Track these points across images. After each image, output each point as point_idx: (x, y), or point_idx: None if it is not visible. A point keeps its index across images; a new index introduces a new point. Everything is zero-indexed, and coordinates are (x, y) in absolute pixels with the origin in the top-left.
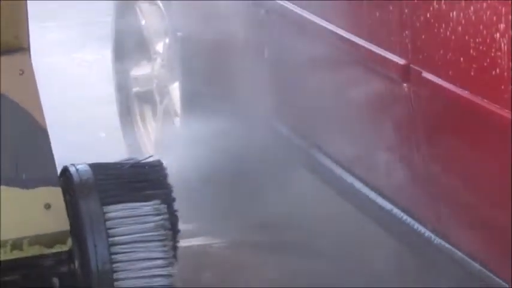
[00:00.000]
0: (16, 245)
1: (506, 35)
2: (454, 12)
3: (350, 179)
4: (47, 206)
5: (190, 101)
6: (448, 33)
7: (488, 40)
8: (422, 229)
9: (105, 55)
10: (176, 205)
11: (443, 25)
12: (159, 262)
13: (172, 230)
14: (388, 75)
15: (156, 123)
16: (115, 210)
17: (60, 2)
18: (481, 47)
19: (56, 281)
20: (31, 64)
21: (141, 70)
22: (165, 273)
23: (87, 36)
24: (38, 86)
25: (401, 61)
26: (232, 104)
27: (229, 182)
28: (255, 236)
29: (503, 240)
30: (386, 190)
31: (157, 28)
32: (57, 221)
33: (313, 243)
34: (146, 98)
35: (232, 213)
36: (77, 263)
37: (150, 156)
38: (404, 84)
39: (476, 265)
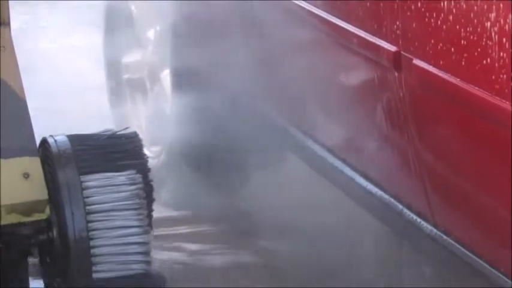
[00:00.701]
0: None
1: (497, 24)
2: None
3: (339, 164)
4: (26, 175)
5: (181, 88)
6: (439, 21)
7: (479, 29)
8: (411, 215)
9: (96, 41)
10: (166, 191)
11: (434, 13)
12: (134, 230)
13: (147, 199)
14: (379, 62)
15: (146, 110)
16: (92, 180)
17: None
18: (471, 36)
19: (35, 248)
20: (11, 39)
21: (132, 57)
22: (140, 240)
23: (78, 21)
24: (28, 71)
25: (392, 48)
26: (223, 90)
27: (218, 169)
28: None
29: (498, 229)
30: (375, 176)
31: (148, 15)
32: (36, 190)
33: (298, 227)
34: (137, 85)
35: (220, 199)
36: (55, 231)
37: (126, 128)
38: (395, 72)
39: (464, 250)
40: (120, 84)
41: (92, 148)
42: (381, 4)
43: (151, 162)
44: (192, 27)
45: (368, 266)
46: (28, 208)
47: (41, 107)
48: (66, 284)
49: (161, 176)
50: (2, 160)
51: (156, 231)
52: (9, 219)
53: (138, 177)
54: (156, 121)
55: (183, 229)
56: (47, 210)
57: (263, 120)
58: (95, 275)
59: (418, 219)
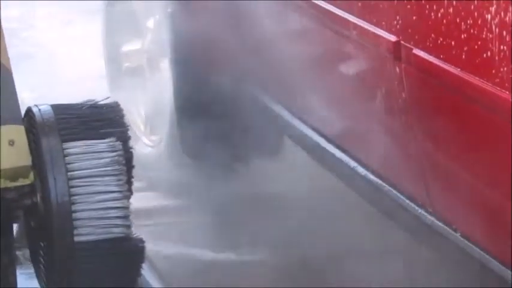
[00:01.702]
0: None
1: (498, 16)
2: None
3: (337, 153)
4: (11, 143)
5: (181, 77)
6: (439, 11)
7: (480, 21)
8: (410, 205)
9: (96, 30)
10: (164, 180)
11: (435, 3)
12: (114, 195)
13: (127, 165)
14: (379, 51)
15: (146, 98)
16: (74, 147)
17: None
18: (472, 28)
19: (20, 213)
20: None
21: (131, 46)
22: (120, 205)
23: (77, 10)
24: (27, 60)
25: (391, 38)
26: (222, 77)
27: (218, 158)
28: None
29: (498, 219)
30: (374, 165)
31: (147, 4)
32: (20, 156)
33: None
34: (136, 74)
35: (220, 187)
36: (38, 196)
37: (107, 98)
38: (395, 61)
39: (464, 240)
40: (120, 72)
41: (74, 117)
42: None
43: (150, 151)
44: (191, 16)
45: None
46: (13, 174)
47: (40, 95)
48: (49, 246)
49: (160, 165)
50: None
51: (155, 220)
52: None
53: (119, 144)
54: (156, 110)
55: (180, 218)
56: (31, 175)
57: (262, 108)
58: (76, 238)
59: (417, 208)
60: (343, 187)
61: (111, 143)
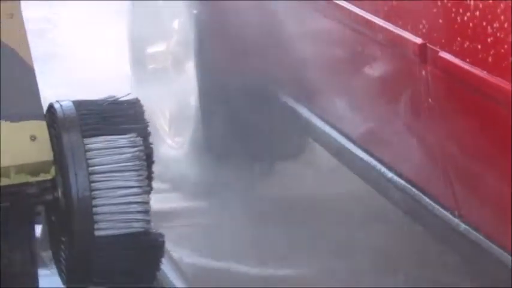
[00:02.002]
0: (4, 173)
1: None
2: None
3: (363, 155)
4: (33, 138)
5: (206, 78)
6: (466, 14)
7: (506, 24)
8: (436, 207)
9: (121, 31)
10: (189, 182)
11: (461, 6)
12: (134, 190)
13: (147, 161)
14: (405, 54)
15: (170, 100)
16: (95, 142)
17: None
18: (498, 31)
19: (41, 208)
20: (20, 8)
21: (156, 47)
22: (140, 200)
23: (102, 10)
24: (51, 60)
25: (418, 40)
26: (246, 79)
27: (242, 159)
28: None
29: None
30: (400, 167)
31: (172, 5)
32: (42, 151)
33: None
34: (161, 76)
35: (242, 190)
36: (59, 191)
37: (128, 94)
38: (421, 64)
39: (487, 241)
40: (144, 74)
41: (95, 113)
42: None
43: (175, 153)
44: (216, 17)
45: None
46: (35, 169)
47: (63, 95)
48: (70, 241)
49: (184, 167)
50: (11, 124)
51: (179, 222)
52: (17, 178)
53: (139, 140)
54: (180, 111)
55: (203, 220)
56: (52, 171)
57: (286, 109)
58: (97, 233)
59: (444, 211)
60: (368, 189)
61: (132, 139)
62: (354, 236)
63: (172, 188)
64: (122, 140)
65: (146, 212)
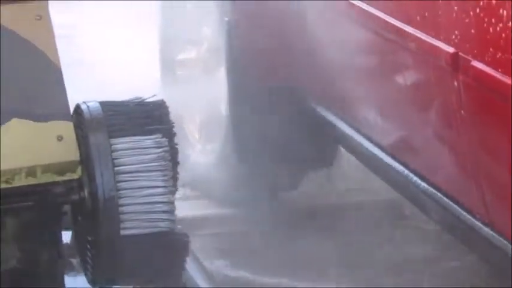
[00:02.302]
0: (30, 172)
1: None
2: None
3: (394, 163)
4: (59, 138)
5: (237, 85)
6: (498, 25)
7: None
8: (467, 216)
9: (151, 36)
10: (219, 189)
11: (494, 16)
12: (159, 190)
13: (172, 161)
14: (437, 63)
15: (201, 107)
16: (121, 143)
17: None
18: None
19: (67, 208)
20: (48, 10)
21: (186, 54)
22: (165, 200)
23: (132, 16)
24: (81, 65)
25: (450, 49)
26: (277, 86)
27: (273, 167)
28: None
29: None
30: (431, 176)
31: (203, 11)
32: (68, 151)
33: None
34: (192, 83)
35: (274, 197)
36: (86, 191)
37: (154, 95)
38: (453, 73)
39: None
40: (175, 80)
41: (121, 113)
42: (440, 5)
43: (204, 160)
44: (248, 25)
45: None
46: (61, 168)
47: (92, 99)
48: (96, 240)
49: (215, 174)
50: (39, 124)
51: (210, 229)
52: (44, 178)
53: (164, 141)
54: (211, 118)
55: (232, 227)
56: (79, 170)
57: (318, 117)
58: (122, 232)
59: (475, 221)
60: (400, 198)
61: (157, 139)
62: (393, 251)
63: (202, 195)
64: (148, 140)
65: (171, 211)
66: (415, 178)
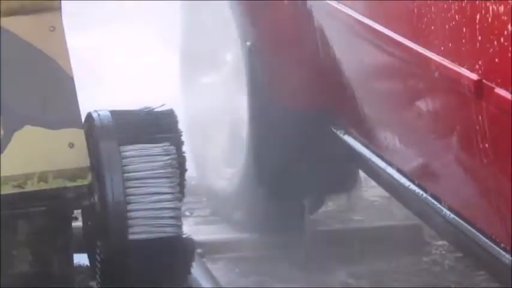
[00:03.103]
0: (42, 177)
1: None
2: None
3: (415, 189)
4: (71, 145)
5: (258, 110)
6: None
7: None
8: (489, 243)
9: (173, 60)
10: (240, 213)
11: None
12: (167, 196)
13: (180, 169)
14: (459, 90)
15: (222, 132)
16: (130, 150)
17: (130, 2)
18: None
19: (78, 213)
20: (61, 22)
21: (207, 78)
22: (172, 206)
23: (154, 39)
24: (102, 87)
25: (473, 76)
26: (298, 113)
27: (293, 192)
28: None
29: None
30: (453, 203)
31: (225, 36)
32: (79, 158)
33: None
34: (213, 106)
35: (296, 222)
36: (96, 196)
37: (162, 105)
38: (476, 100)
39: None
40: (195, 104)
41: (131, 122)
42: (463, 31)
43: (226, 184)
44: (270, 50)
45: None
46: (72, 174)
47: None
48: (105, 245)
49: (235, 198)
50: (51, 131)
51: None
52: (55, 183)
53: (172, 148)
54: (232, 143)
55: (253, 252)
56: (89, 176)
57: (339, 142)
58: (131, 236)
59: (497, 248)
60: (421, 224)
61: (165, 147)
62: (413, 278)
63: (223, 219)
64: (156, 148)
65: (178, 217)
66: (436, 204)
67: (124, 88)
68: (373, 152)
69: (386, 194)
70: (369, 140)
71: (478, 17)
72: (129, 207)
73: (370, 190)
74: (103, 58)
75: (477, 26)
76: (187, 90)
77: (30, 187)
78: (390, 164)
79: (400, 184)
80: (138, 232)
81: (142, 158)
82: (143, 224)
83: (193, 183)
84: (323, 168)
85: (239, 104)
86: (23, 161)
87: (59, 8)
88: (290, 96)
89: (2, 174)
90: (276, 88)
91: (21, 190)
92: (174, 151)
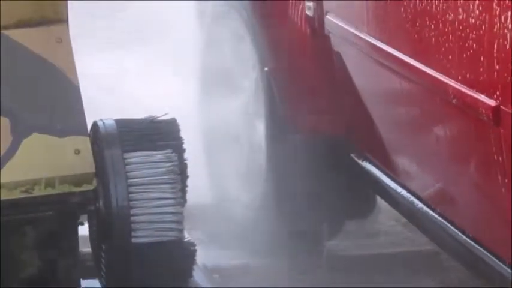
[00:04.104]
0: (49, 183)
1: None
2: None
3: (432, 215)
4: (77, 152)
5: (276, 136)
6: None
7: None
8: (508, 271)
9: (190, 87)
10: (257, 239)
11: None
12: (169, 201)
13: (182, 175)
14: (477, 116)
15: (240, 159)
16: (133, 157)
17: (147, 28)
18: None
19: (84, 218)
20: (68, 34)
21: (226, 105)
22: (174, 210)
23: (172, 66)
24: (123, 114)
25: (491, 102)
26: (316, 139)
27: (310, 219)
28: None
29: None
30: (471, 229)
31: (244, 63)
32: (85, 164)
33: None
34: (231, 134)
35: (313, 249)
36: (101, 201)
37: (165, 114)
38: (494, 126)
39: None
40: (214, 132)
41: (135, 130)
42: (480, 59)
43: (244, 210)
44: (288, 75)
45: None
46: (78, 180)
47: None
48: (109, 248)
49: (253, 224)
50: (58, 138)
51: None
52: (62, 188)
53: (174, 156)
54: (250, 169)
55: (271, 277)
56: (94, 182)
57: (356, 168)
58: (134, 240)
59: None
60: (438, 250)
61: (168, 154)
62: None
63: (241, 244)
64: (159, 155)
65: (179, 222)
66: (454, 230)
67: (145, 114)
68: (391, 177)
69: (404, 219)
70: (386, 165)
71: (495, 46)
72: (133, 211)
73: (387, 215)
74: (121, 83)
75: (495, 54)
76: (205, 115)
77: (37, 192)
78: (407, 189)
79: (418, 209)
80: (141, 236)
81: (145, 165)
82: (146, 228)
83: (211, 209)
84: (341, 193)
85: (257, 130)
86: (30, 167)
87: (66, 21)
88: (307, 122)
89: (10, 180)
90: (294, 114)
91: (29, 195)
92: (176, 158)
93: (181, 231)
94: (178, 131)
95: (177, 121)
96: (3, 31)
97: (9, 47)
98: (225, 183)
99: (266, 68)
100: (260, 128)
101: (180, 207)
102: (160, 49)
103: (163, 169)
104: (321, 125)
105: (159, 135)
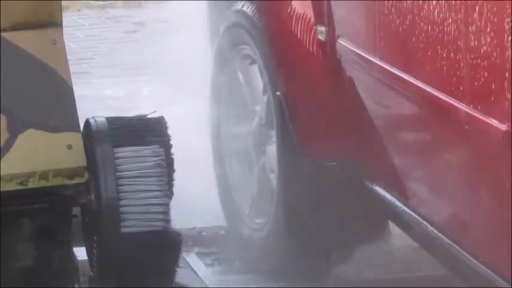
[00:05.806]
0: (43, 176)
1: None
2: None
3: (444, 240)
4: (69, 147)
5: (288, 161)
6: None
7: None
8: None
9: (202, 111)
10: (268, 263)
11: None
12: (156, 193)
13: (168, 169)
14: (489, 141)
15: (252, 181)
16: (123, 152)
17: (153, 54)
18: None
19: (77, 211)
20: (62, 36)
21: (238, 128)
22: (161, 202)
23: (183, 90)
24: None
25: (502, 126)
26: (327, 161)
27: (322, 241)
28: None
29: None
30: (484, 256)
31: (256, 87)
32: (77, 158)
33: None
34: (243, 157)
35: (324, 273)
36: (92, 194)
37: (153, 112)
38: (505, 150)
39: None
40: (226, 155)
41: (124, 127)
42: (492, 84)
43: (255, 235)
44: (300, 100)
45: None
46: (71, 173)
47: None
48: (100, 238)
49: (264, 248)
50: (51, 134)
51: None
52: (55, 181)
53: (161, 150)
54: (261, 193)
55: None
56: (86, 175)
57: (369, 193)
58: (123, 230)
59: None
60: (450, 275)
61: (155, 149)
62: None
63: (252, 269)
64: (146, 150)
65: (166, 212)
66: (465, 255)
67: None
68: (403, 202)
69: (415, 245)
70: (398, 190)
71: (506, 73)
72: (122, 203)
73: (399, 240)
74: (133, 109)
75: (506, 79)
76: (217, 140)
77: (32, 184)
78: (419, 214)
79: (430, 235)
80: (129, 226)
81: (133, 159)
82: (134, 219)
83: (222, 232)
84: (352, 218)
85: (269, 155)
86: (25, 161)
87: (60, 24)
88: (319, 147)
89: (6, 173)
90: (306, 139)
91: (24, 187)
92: (163, 153)
93: (167, 221)
94: (165, 128)
95: (165, 119)
96: (1, 33)
97: (6, 49)
98: (236, 206)
99: (278, 93)
100: (272, 152)
101: (166, 199)
102: (169, 72)
103: (151, 163)
104: (333, 150)
105: (147, 131)
